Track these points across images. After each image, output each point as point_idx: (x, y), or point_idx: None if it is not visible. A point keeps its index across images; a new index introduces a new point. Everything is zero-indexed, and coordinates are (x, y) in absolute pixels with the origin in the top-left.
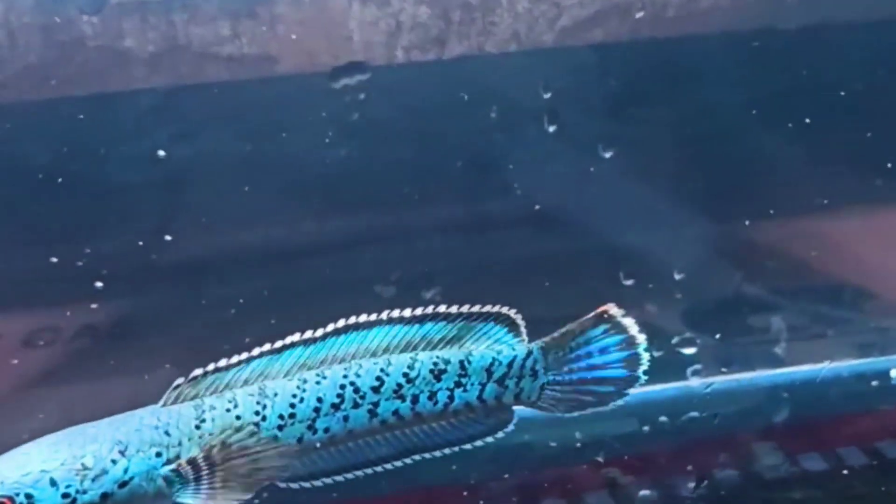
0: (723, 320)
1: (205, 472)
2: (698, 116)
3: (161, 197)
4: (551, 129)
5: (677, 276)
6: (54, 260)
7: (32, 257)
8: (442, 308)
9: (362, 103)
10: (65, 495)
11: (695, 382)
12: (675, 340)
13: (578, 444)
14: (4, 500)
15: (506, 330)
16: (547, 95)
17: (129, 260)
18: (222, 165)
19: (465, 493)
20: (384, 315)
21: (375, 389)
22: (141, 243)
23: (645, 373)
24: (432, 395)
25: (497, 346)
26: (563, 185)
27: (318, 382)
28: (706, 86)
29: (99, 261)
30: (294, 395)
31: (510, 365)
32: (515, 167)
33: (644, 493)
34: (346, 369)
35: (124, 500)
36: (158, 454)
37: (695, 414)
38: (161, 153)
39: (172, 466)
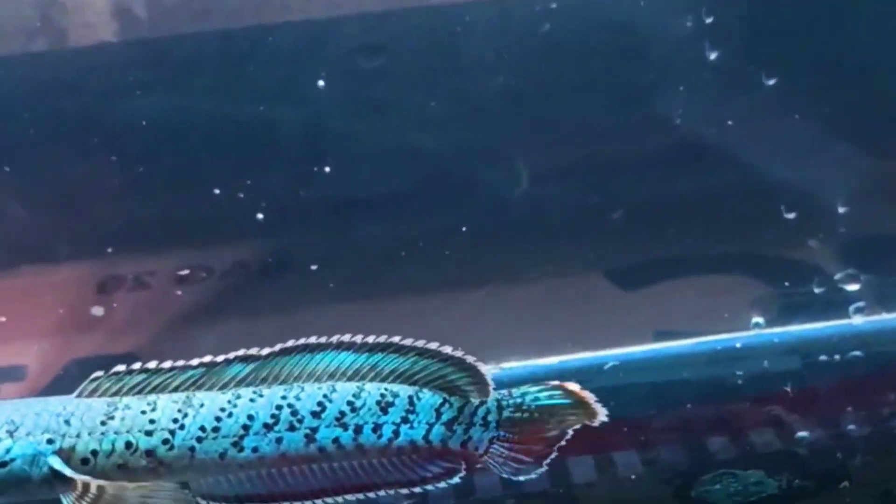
0: (887, 256)
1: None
2: (866, 47)
3: (320, 129)
4: (712, 56)
5: (841, 210)
6: (216, 191)
7: (194, 192)
8: (396, 339)
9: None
10: None
11: (857, 320)
12: (837, 277)
13: (739, 381)
14: None
15: (463, 375)
16: (709, 20)
17: (286, 195)
18: (379, 97)
19: (625, 430)
20: (334, 339)
21: (315, 414)
22: (297, 177)
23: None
24: (376, 428)
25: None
26: (723, 117)
27: (252, 400)
28: (872, 17)
29: (257, 195)
30: (223, 409)
31: (461, 410)
32: (673, 100)
33: (803, 433)
34: (286, 390)
35: (2, 480)
36: (50, 441)
37: (857, 353)
38: (321, 83)
39: (64, 468)
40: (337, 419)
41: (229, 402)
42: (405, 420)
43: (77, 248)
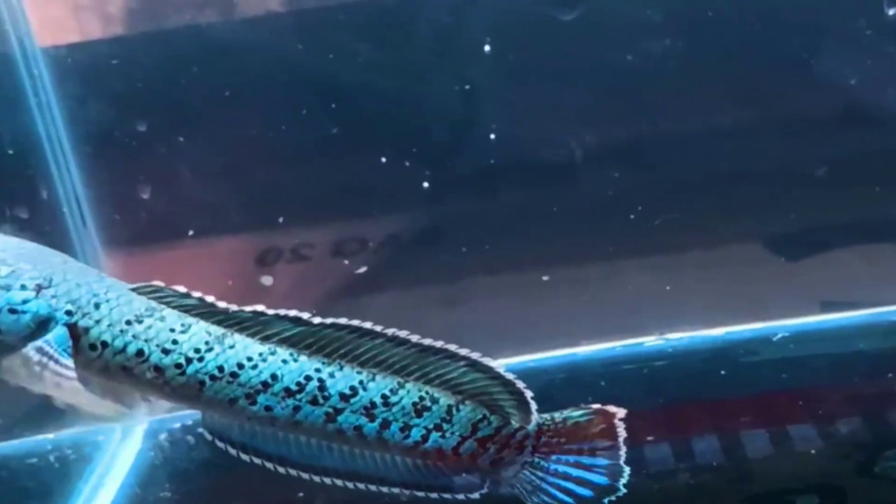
0: None
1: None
2: None
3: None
4: (891, 12)
5: None
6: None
7: (359, 162)
8: (451, 347)
9: None
10: None
11: None
12: None
13: None
14: None
15: (509, 397)
16: None
17: (450, 162)
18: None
19: (800, 402)
20: (390, 331)
21: (344, 397)
22: (461, 144)
23: (625, 486)
24: (405, 428)
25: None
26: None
27: (284, 361)
28: None
29: (422, 164)
30: (250, 359)
31: (498, 430)
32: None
33: None
34: (322, 364)
35: (4, 324)
36: (69, 313)
37: None
38: (486, 48)
39: (63, 334)
40: (366, 408)
41: (261, 354)
42: (438, 428)
43: (241, 219)
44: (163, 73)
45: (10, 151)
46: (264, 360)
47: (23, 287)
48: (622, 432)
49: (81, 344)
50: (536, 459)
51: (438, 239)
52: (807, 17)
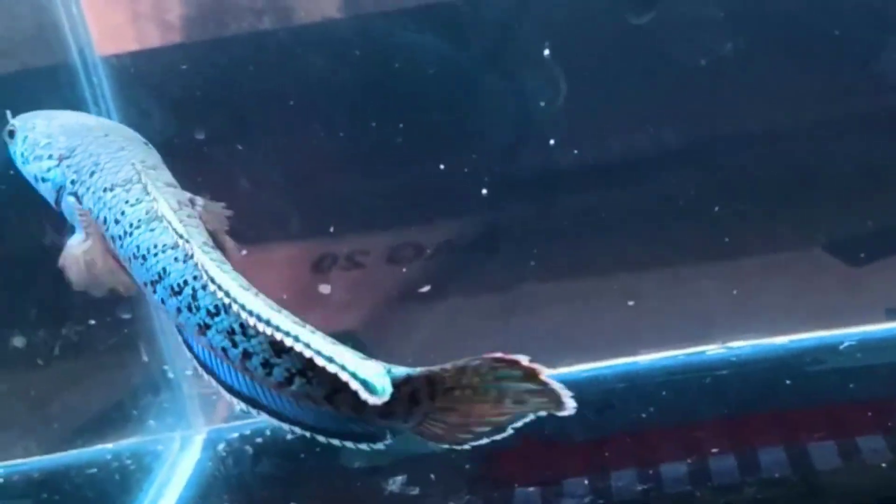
0: None
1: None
2: None
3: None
4: None
5: None
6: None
7: (417, 168)
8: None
9: None
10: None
11: None
12: None
13: None
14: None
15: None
16: None
17: (507, 168)
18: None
19: (869, 414)
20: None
21: (210, 314)
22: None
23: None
24: (266, 364)
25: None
26: None
27: (175, 259)
28: None
29: (480, 171)
30: (155, 247)
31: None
32: None
33: None
34: (199, 276)
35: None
36: (73, 182)
37: None
38: (546, 52)
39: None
40: (228, 332)
41: (164, 245)
42: (302, 373)
43: (298, 226)
44: (221, 81)
45: None
46: (163, 253)
47: (50, 157)
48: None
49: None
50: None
51: (496, 245)
52: (874, 13)
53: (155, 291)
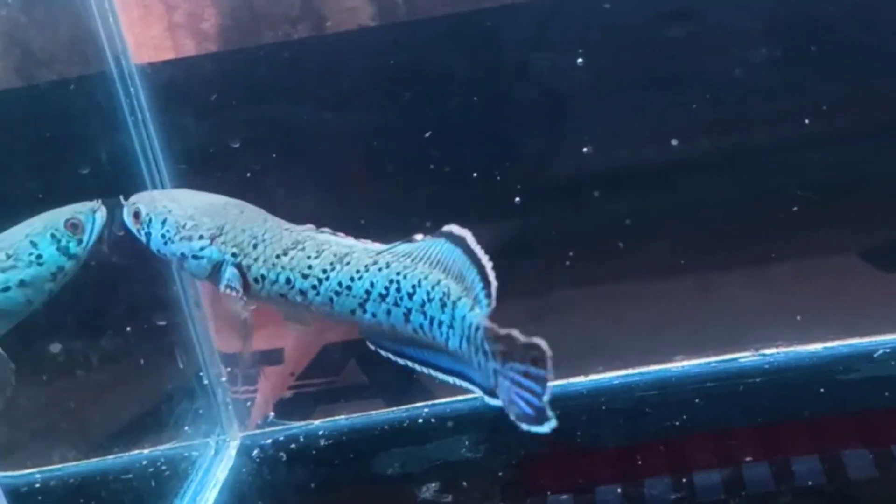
0: None
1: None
2: None
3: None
4: None
5: None
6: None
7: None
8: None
9: None
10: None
11: None
12: None
13: None
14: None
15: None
16: None
17: (539, 176)
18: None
19: None
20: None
21: (409, 295)
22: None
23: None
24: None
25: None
26: None
27: (379, 270)
28: None
29: (512, 180)
30: (358, 271)
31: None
32: None
33: None
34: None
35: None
36: (234, 255)
37: None
38: (579, 61)
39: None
40: (421, 305)
41: (364, 267)
42: (451, 325)
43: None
44: (256, 89)
45: (109, 169)
46: (367, 271)
47: (201, 237)
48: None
49: (248, 279)
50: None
51: (528, 251)
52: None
53: (365, 311)
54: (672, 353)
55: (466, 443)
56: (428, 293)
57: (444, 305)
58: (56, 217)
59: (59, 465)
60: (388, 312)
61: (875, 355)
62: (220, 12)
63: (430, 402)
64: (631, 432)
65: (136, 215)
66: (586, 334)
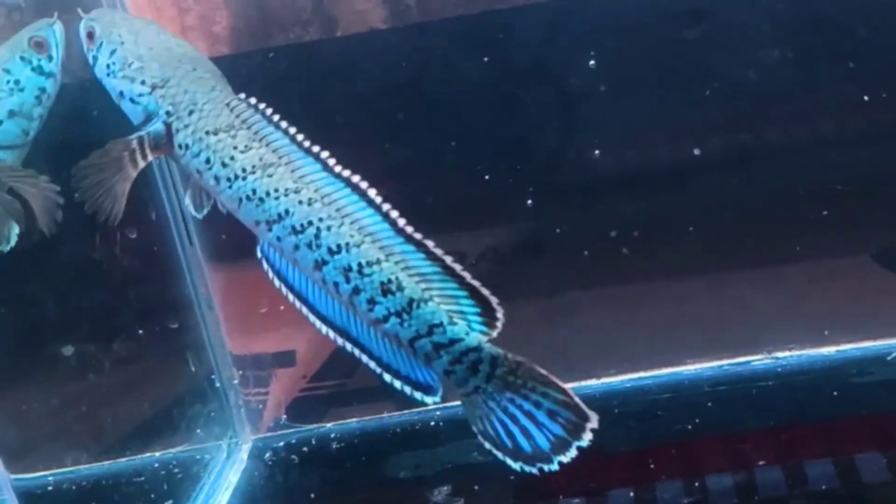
0: None
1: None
2: None
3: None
4: None
5: None
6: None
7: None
8: (430, 244)
9: None
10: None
11: None
12: None
13: None
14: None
15: (478, 312)
16: None
17: (551, 178)
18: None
19: None
20: (385, 207)
21: (331, 251)
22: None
23: (560, 464)
24: (372, 302)
25: (458, 317)
26: None
27: (299, 203)
28: None
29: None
30: (276, 191)
31: (451, 342)
32: None
33: None
34: (325, 215)
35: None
36: (168, 113)
37: None
38: (591, 63)
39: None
40: (345, 270)
41: (285, 189)
42: (398, 315)
43: None
44: (267, 92)
45: None
46: (286, 196)
47: (143, 83)
48: (593, 417)
49: (173, 142)
50: (490, 389)
51: (539, 253)
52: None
53: (270, 230)
54: (684, 356)
55: (478, 446)
56: (360, 264)
57: (388, 292)
58: (17, 41)
59: (72, 468)
60: (296, 248)
61: (889, 358)
62: (232, 15)
63: (441, 405)
64: (643, 435)
65: (90, 35)
66: (598, 336)
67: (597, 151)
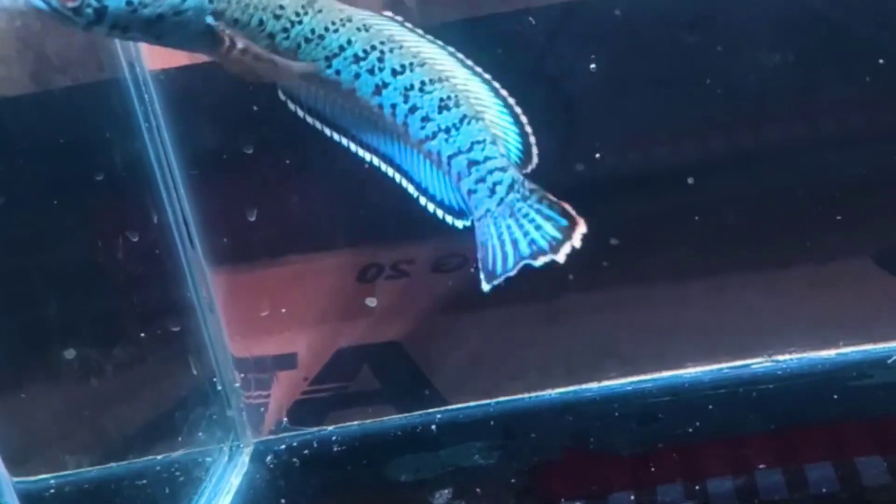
0: None
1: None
2: None
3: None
4: None
5: None
6: None
7: None
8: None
9: None
10: (128, 2)
11: None
12: None
13: None
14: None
15: (519, 148)
16: None
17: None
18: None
19: None
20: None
21: (394, 73)
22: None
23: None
24: (426, 119)
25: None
26: None
27: (358, 29)
28: None
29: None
30: (332, 23)
31: (485, 159)
32: None
33: None
34: (387, 39)
35: (174, 27)
36: (210, 1)
37: None
38: (592, 67)
39: (216, 22)
40: (406, 88)
41: (340, 20)
42: (447, 131)
43: (343, 237)
44: (268, 95)
45: (123, 175)
46: (344, 26)
47: None
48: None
49: (225, 20)
50: (497, 213)
51: None
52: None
53: (330, 65)
54: (684, 359)
55: (479, 449)
56: (423, 83)
57: (444, 108)
58: None
59: (74, 471)
60: (357, 76)
61: (889, 361)
62: None
63: (442, 408)
64: (644, 438)
65: None
66: (598, 339)
67: (598, 154)
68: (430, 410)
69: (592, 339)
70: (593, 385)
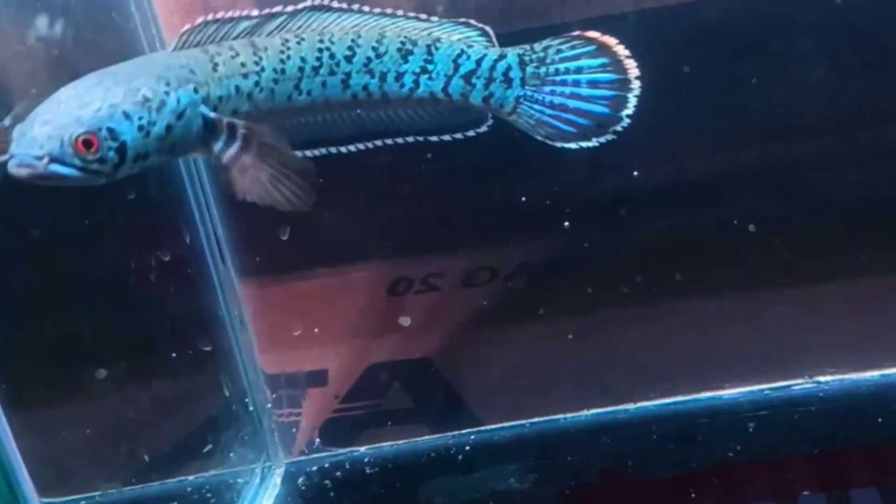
0: None
1: (239, 140)
2: None
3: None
4: None
5: None
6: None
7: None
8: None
9: None
10: (140, 128)
11: None
12: None
13: None
14: (89, 136)
15: (479, 33)
16: None
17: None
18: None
19: None
20: (355, 5)
21: (348, 59)
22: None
23: (628, 117)
24: (399, 77)
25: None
26: None
27: (298, 43)
28: None
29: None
30: (282, 52)
31: (479, 62)
32: None
33: None
34: (321, 35)
35: (181, 134)
36: (195, 90)
37: None
38: None
39: (211, 114)
40: (365, 65)
41: (282, 45)
42: (424, 70)
43: (373, 249)
44: None
45: (155, 193)
46: (289, 49)
47: (166, 93)
48: (631, 65)
49: (212, 103)
50: (528, 92)
51: (572, 269)
52: None
53: (301, 91)
54: (722, 378)
55: (514, 471)
56: (375, 49)
57: (407, 54)
58: None
59: (104, 492)
60: (324, 85)
61: None
62: None
63: (476, 429)
64: (682, 461)
65: (87, 143)
66: (634, 358)
67: (635, 173)
68: (463, 431)
69: (627, 358)
70: (629, 405)
